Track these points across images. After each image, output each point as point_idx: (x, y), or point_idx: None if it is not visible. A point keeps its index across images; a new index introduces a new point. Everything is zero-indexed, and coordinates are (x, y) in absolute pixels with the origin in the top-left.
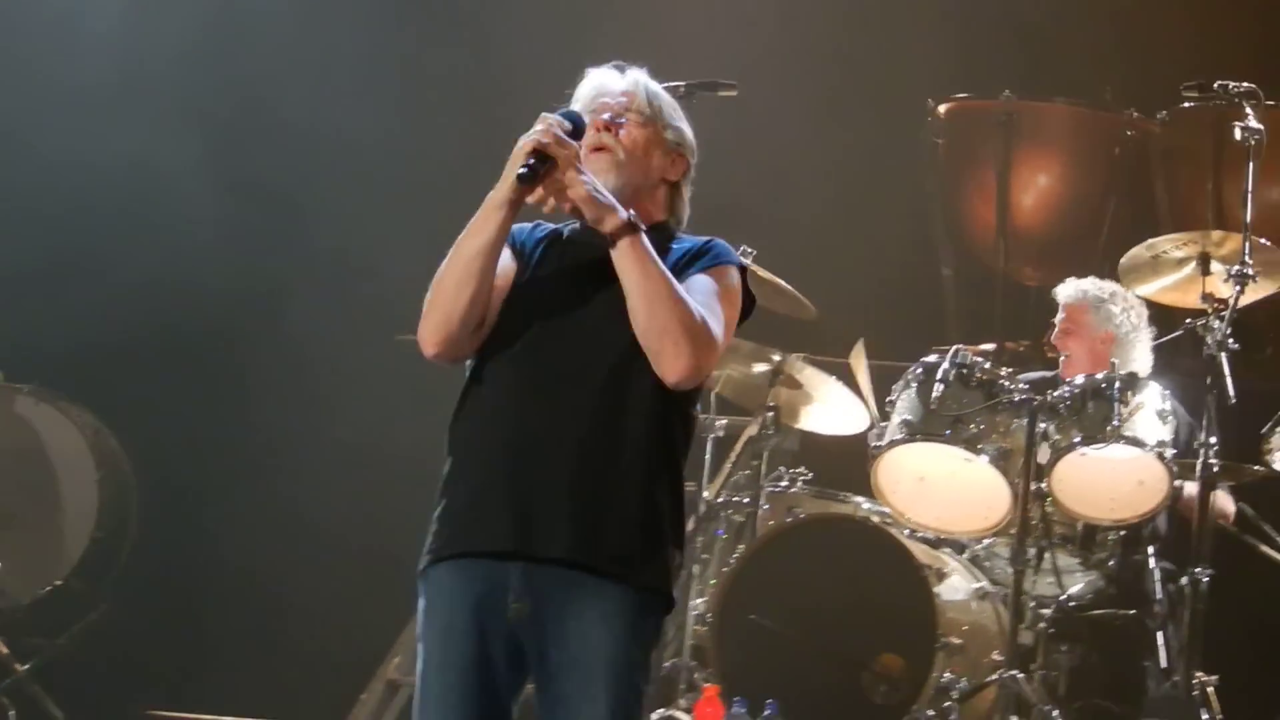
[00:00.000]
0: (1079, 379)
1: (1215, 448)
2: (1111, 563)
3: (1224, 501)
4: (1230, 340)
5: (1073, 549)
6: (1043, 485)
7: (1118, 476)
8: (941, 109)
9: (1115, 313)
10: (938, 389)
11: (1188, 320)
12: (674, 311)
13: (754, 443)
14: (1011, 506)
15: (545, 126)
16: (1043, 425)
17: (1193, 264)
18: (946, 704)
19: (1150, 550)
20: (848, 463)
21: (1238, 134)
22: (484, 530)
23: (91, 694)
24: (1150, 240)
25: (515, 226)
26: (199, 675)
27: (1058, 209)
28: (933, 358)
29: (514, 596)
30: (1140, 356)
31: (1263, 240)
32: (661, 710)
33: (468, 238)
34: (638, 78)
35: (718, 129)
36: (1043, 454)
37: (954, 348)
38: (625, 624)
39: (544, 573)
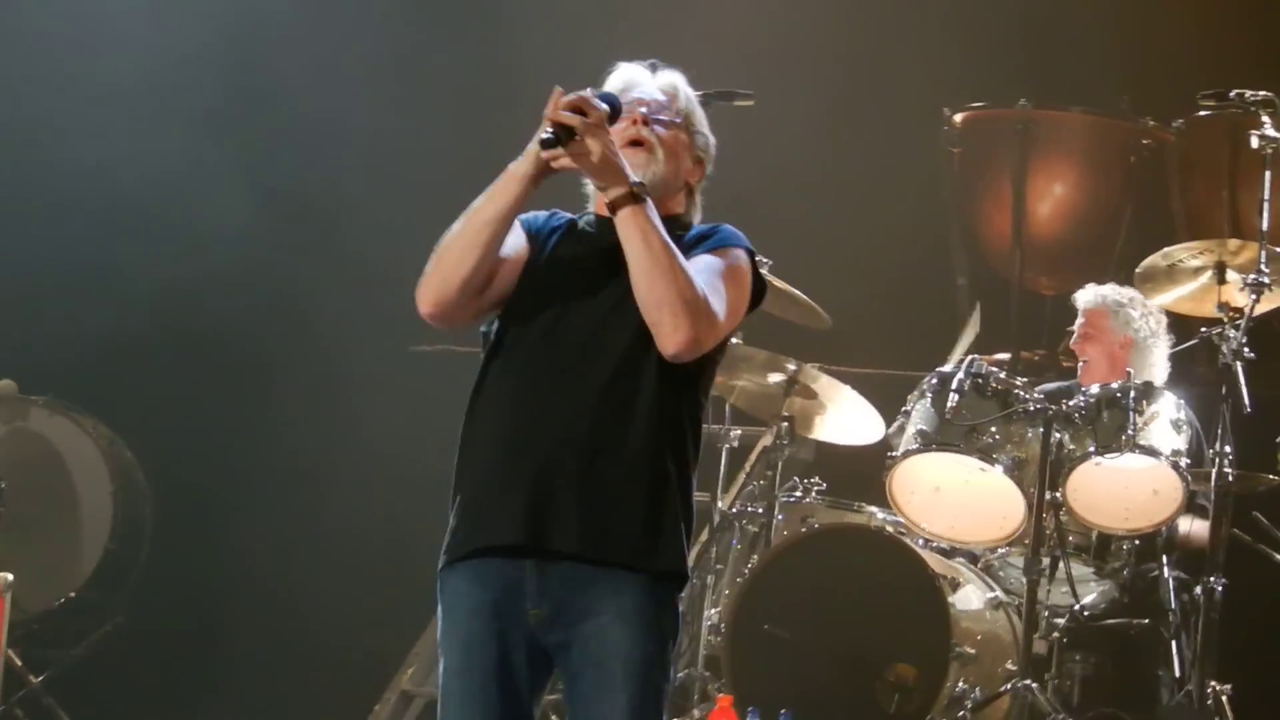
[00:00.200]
0: (1094, 388)
1: (1230, 457)
2: (1125, 572)
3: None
4: (1246, 349)
5: (1087, 558)
6: (1057, 495)
7: (1132, 486)
8: (957, 117)
9: (1134, 317)
10: (953, 399)
11: (1203, 329)
12: (674, 283)
13: (768, 453)
14: (1026, 516)
15: (575, 96)
16: (1057, 435)
17: (1209, 273)
18: (960, 714)
19: (1164, 560)
20: (862, 472)
21: (1254, 142)
22: (496, 525)
23: (105, 706)
24: (1166, 249)
25: (531, 214)
26: (213, 687)
27: (1073, 218)
28: (948, 367)
29: (531, 602)
30: (1158, 363)
31: (1279, 249)
32: None
33: (482, 205)
34: (676, 80)
35: (732, 137)
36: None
37: (969, 357)
38: (642, 621)
39: (558, 572)
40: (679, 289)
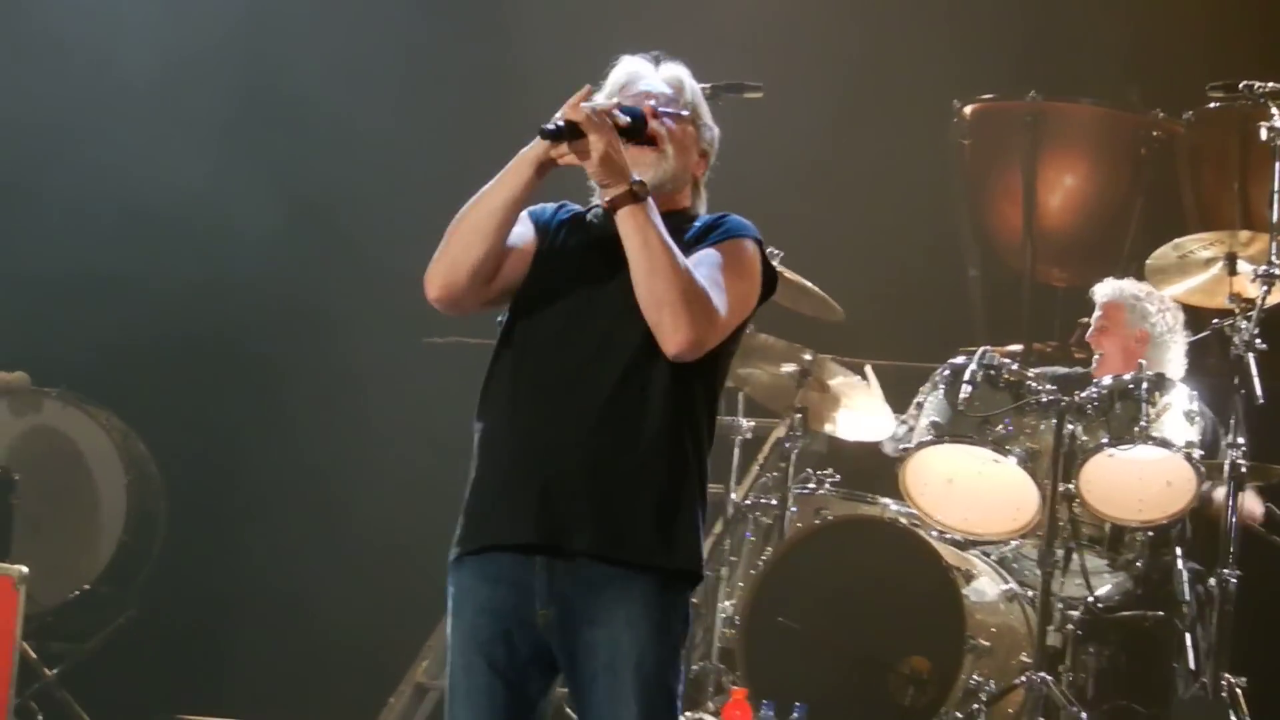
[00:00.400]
0: (1106, 379)
1: (1243, 448)
2: (1139, 564)
3: (1252, 503)
4: (1258, 340)
5: (1101, 550)
6: (1071, 486)
7: (1145, 477)
8: (967, 110)
9: (1151, 312)
10: (965, 390)
11: (1215, 320)
12: (673, 283)
13: (782, 445)
14: (1040, 508)
15: (594, 103)
16: (1070, 426)
17: (1220, 264)
18: (975, 706)
19: (1178, 551)
20: (875, 465)
21: (1264, 134)
22: (506, 522)
23: (119, 699)
24: (1177, 240)
25: (539, 205)
26: (227, 680)
27: (1084, 209)
28: (960, 359)
29: (540, 603)
30: (1174, 359)
31: None
32: (690, 714)
33: (492, 189)
34: (680, 73)
35: (742, 129)
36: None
37: (981, 349)
38: (652, 625)
39: (568, 572)
40: (679, 288)
